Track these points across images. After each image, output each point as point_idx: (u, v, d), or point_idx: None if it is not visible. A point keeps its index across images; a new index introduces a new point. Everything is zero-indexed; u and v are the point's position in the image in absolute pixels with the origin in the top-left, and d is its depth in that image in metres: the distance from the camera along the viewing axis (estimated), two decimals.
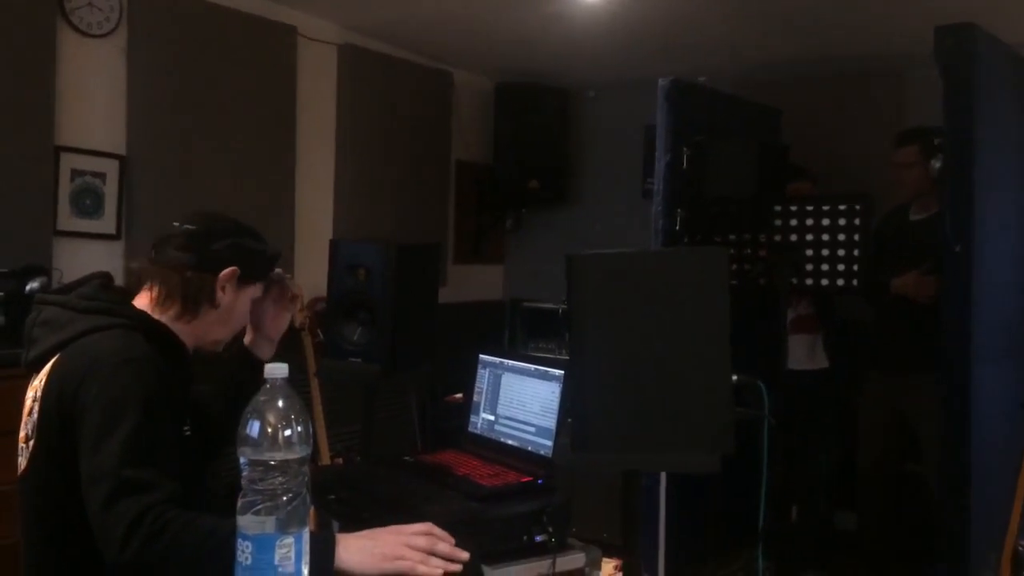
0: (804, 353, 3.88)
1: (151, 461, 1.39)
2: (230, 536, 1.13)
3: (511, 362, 2.09)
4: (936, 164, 3.42)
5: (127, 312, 1.59)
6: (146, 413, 1.43)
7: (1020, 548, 2.48)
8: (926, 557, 3.27)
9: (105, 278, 1.69)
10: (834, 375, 3.97)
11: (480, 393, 2.15)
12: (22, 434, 1.56)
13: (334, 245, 2.42)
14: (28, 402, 1.56)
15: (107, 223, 3.63)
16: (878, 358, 3.74)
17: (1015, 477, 2.52)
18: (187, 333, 1.66)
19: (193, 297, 1.65)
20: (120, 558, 1.31)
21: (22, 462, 1.55)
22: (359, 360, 2.32)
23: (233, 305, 1.71)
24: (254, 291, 1.76)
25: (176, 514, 1.34)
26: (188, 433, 1.62)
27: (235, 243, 1.69)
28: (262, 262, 1.76)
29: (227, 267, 1.67)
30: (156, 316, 1.63)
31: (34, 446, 1.51)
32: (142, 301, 1.65)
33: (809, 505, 3.79)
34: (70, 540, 1.42)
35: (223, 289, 1.68)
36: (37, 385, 1.54)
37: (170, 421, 1.52)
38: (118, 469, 1.36)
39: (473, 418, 2.15)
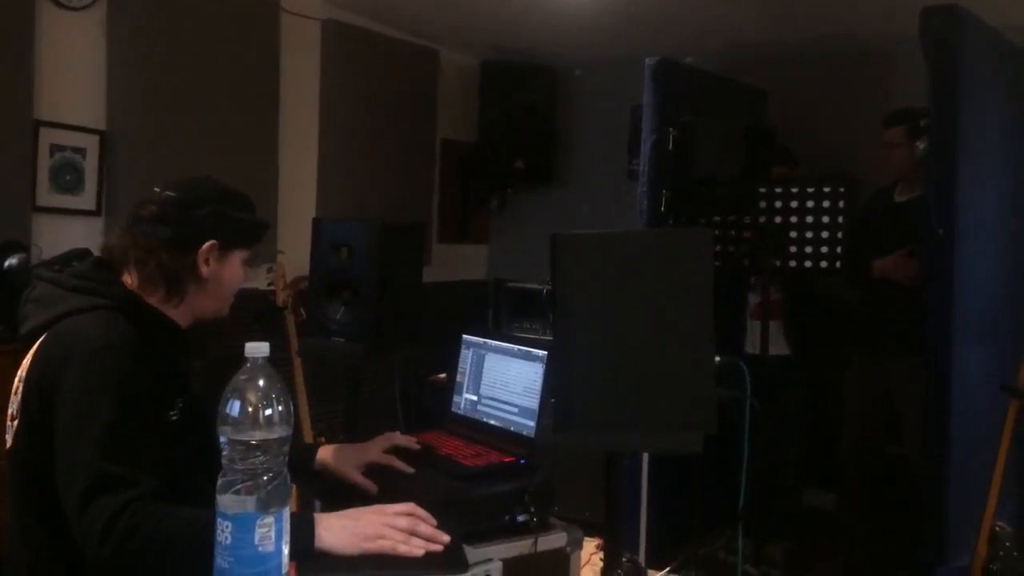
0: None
1: (128, 455, 1.37)
2: (208, 527, 1.12)
3: (495, 342, 2.09)
4: (921, 145, 3.43)
5: (113, 293, 1.55)
6: (122, 403, 1.40)
7: (997, 528, 2.51)
8: (906, 537, 3.31)
9: (86, 255, 1.66)
10: (797, 361, 3.97)
11: (463, 373, 2.14)
12: (9, 412, 1.55)
13: (317, 223, 2.41)
14: (16, 381, 1.54)
15: (87, 199, 3.59)
16: (862, 340, 3.75)
17: (995, 458, 2.55)
18: (180, 312, 1.64)
19: (174, 280, 1.60)
20: (98, 556, 1.30)
21: (8, 439, 1.54)
22: (342, 339, 2.30)
23: (220, 275, 1.66)
24: (241, 256, 1.70)
25: (153, 509, 1.32)
26: (175, 418, 1.58)
27: (215, 211, 1.62)
28: (245, 230, 1.70)
29: (206, 240, 1.61)
30: (145, 296, 1.59)
31: (18, 426, 1.50)
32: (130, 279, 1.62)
33: (776, 484, 3.80)
34: (55, 518, 1.41)
35: (205, 263, 1.63)
36: (24, 364, 1.53)
37: (152, 407, 1.50)
38: (94, 463, 1.34)
39: (456, 398, 2.15)
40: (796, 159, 4.09)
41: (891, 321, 3.52)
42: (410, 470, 1.82)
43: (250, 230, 1.71)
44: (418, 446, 1.92)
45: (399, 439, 1.91)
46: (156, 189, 1.63)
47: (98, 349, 1.44)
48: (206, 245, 1.61)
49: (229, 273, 1.68)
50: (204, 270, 1.63)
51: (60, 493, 1.37)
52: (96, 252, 1.69)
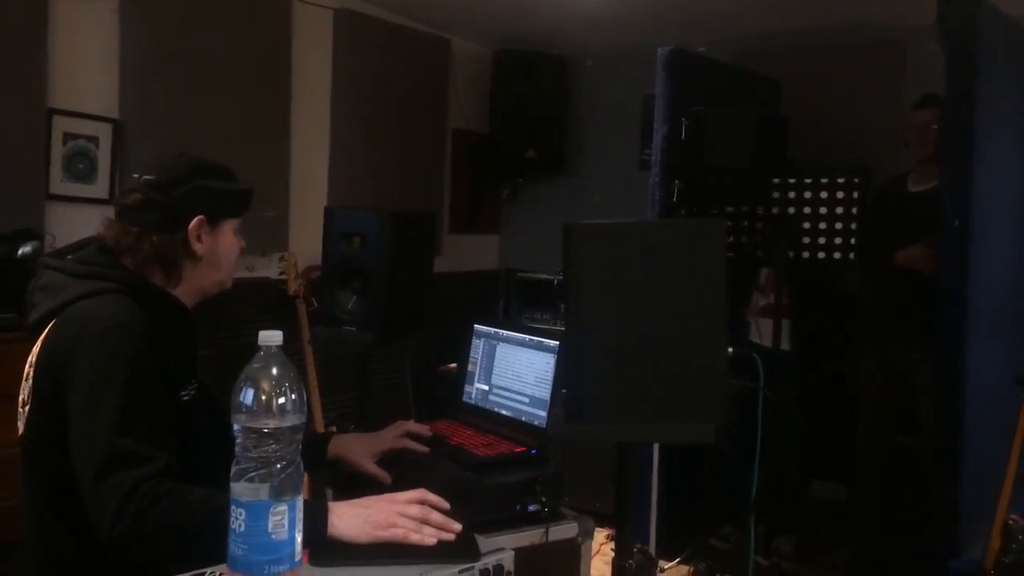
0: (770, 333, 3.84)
1: (142, 432, 1.38)
2: (222, 508, 1.12)
3: (506, 332, 2.09)
4: None
5: (120, 276, 1.57)
6: (134, 381, 1.41)
7: (1011, 520, 2.50)
8: (918, 530, 3.30)
9: (100, 242, 1.67)
10: (799, 357, 3.95)
11: (475, 363, 2.14)
12: (20, 398, 1.56)
13: (329, 213, 2.41)
14: (27, 367, 1.55)
15: (100, 187, 3.60)
16: (878, 331, 3.71)
17: (1009, 450, 2.54)
18: (183, 291, 1.65)
19: (169, 261, 1.61)
20: (112, 533, 1.31)
21: (20, 426, 1.55)
22: (353, 328, 2.31)
23: (215, 248, 1.67)
24: (232, 225, 1.71)
25: (168, 487, 1.33)
26: (187, 398, 1.60)
27: (196, 187, 1.62)
28: (230, 199, 1.70)
29: (192, 217, 1.62)
30: (148, 278, 1.61)
31: (30, 411, 1.51)
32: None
33: (784, 476, 3.79)
34: (68, 502, 1.42)
35: (197, 239, 1.64)
36: (35, 351, 1.54)
37: (165, 387, 1.51)
38: (108, 440, 1.35)
39: (467, 388, 2.15)
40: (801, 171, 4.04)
41: (911, 312, 3.46)
42: (425, 450, 1.85)
43: (234, 199, 1.71)
44: (431, 433, 1.93)
45: (412, 427, 1.92)
46: (135, 176, 1.64)
47: (109, 328, 1.45)
48: (194, 222, 1.62)
49: (224, 245, 1.69)
50: (198, 247, 1.64)
51: (75, 470, 1.38)
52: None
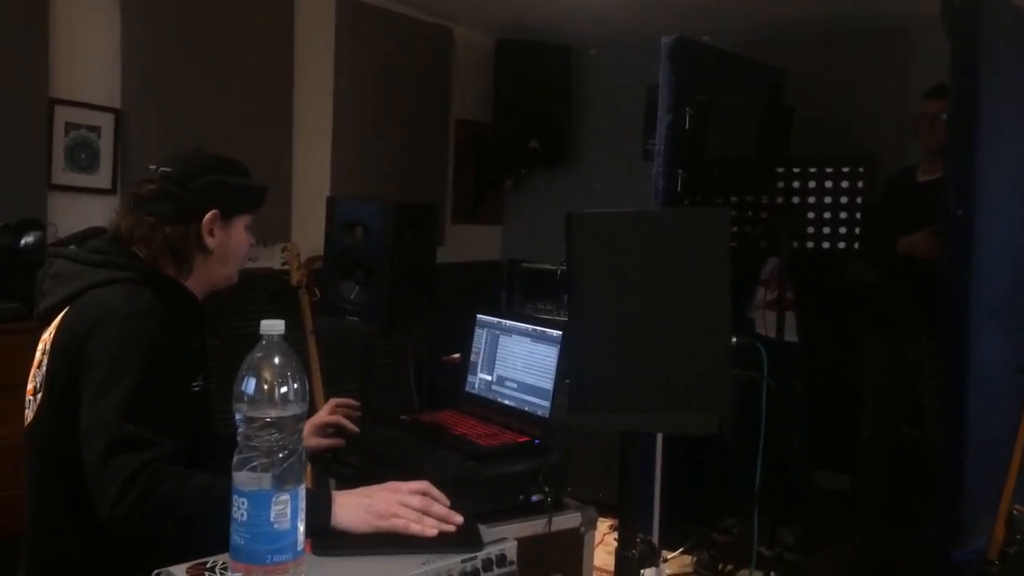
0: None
1: (151, 417, 1.39)
2: (225, 494, 1.12)
3: (509, 323, 2.08)
4: None
5: (134, 266, 1.58)
6: (148, 368, 1.42)
7: (1015, 512, 2.49)
8: (922, 521, 3.29)
9: (101, 233, 1.67)
10: (806, 349, 3.94)
11: (478, 353, 2.14)
12: (30, 386, 1.56)
13: (331, 203, 2.40)
14: (38, 355, 1.56)
15: (102, 177, 3.59)
16: (881, 321, 3.69)
17: (1013, 440, 2.53)
18: (193, 283, 1.67)
19: (181, 252, 1.63)
20: (113, 514, 1.31)
21: (29, 414, 1.56)
22: (356, 319, 2.30)
23: (226, 243, 1.69)
24: (244, 221, 1.72)
25: (172, 471, 1.34)
26: (197, 389, 1.62)
27: (212, 181, 1.65)
28: (244, 196, 1.72)
29: (207, 210, 1.64)
30: (161, 269, 1.62)
31: (42, 398, 1.52)
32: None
33: (787, 467, 3.78)
34: (73, 492, 1.42)
35: (210, 233, 1.65)
36: (46, 338, 1.54)
37: (177, 376, 1.53)
38: (117, 424, 1.36)
39: (471, 378, 2.14)
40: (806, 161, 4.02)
41: (915, 301, 3.43)
42: (355, 429, 1.94)
43: (249, 195, 1.74)
44: (358, 403, 2.01)
45: (340, 400, 2.01)
46: (151, 167, 1.66)
47: (127, 316, 1.46)
48: (208, 215, 1.64)
49: (235, 240, 1.71)
50: (210, 240, 1.65)
51: (82, 452, 1.38)
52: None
